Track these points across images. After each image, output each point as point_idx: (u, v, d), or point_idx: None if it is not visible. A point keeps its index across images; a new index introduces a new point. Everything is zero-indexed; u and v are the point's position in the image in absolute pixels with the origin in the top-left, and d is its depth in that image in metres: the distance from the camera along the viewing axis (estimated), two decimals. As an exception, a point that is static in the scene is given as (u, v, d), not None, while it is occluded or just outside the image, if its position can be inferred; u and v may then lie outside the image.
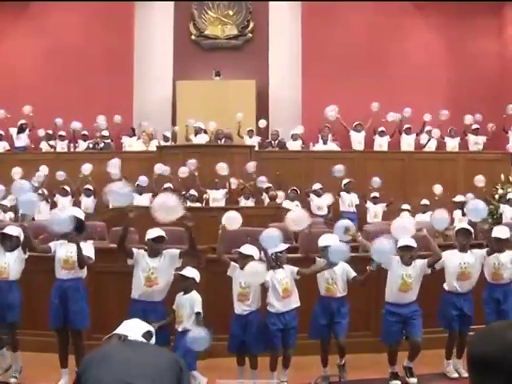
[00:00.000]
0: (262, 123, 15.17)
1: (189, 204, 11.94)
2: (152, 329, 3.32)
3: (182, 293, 6.04)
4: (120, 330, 3.22)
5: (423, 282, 6.38)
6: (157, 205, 5.56)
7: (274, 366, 6.12)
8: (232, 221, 6.09)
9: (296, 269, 6.16)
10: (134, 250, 6.13)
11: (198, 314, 5.91)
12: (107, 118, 14.89)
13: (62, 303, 6.18)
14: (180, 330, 5.91)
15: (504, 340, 1.62)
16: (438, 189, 12.33)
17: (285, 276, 6.11)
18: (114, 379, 2.64)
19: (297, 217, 6.29)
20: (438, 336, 6.68)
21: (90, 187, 12.52)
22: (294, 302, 6.15)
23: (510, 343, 1.60)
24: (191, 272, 6.02)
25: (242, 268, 6.06)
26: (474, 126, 14.74)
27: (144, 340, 3.16)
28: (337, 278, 6.31)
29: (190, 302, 5.94)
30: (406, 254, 6.27)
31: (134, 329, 3.22)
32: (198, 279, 6.04)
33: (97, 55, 15.86)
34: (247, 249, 6.13)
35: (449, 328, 6.54)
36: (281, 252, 6.15)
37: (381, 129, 14.68)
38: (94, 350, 2.93)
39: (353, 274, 6.36)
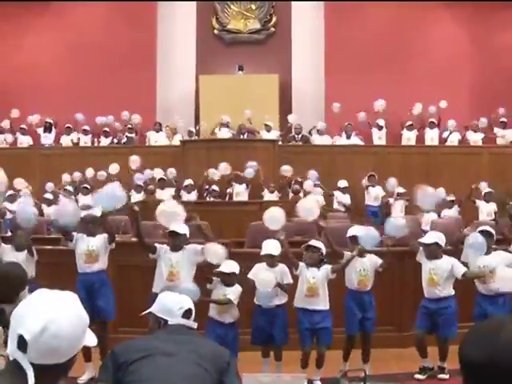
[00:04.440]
0: (292, 118, 14.93)
1: (211, 199, 11.98)
2: (192, 306, 3.31)
3: (221, 284, 5.98)
4: (159, 312, 3.24)
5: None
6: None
7: (304, 363, 6.07)
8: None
9: (329, 267, 6.11)
10: (157, 246, 6.21)
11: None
12: (131, 113, 14.98)
13: (88, 297, 6.26)
14: (226, 322, 5.89)
15: (496, 343, 1.51)
16: (482, 186, 12.07)
17: (315, 276, 6.07)
18: (155, 382, 2.70)
19: (308, 205, 6.31)
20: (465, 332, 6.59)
21: None
22: (322, 304, 6.10)
23: (502, 346, 1.49)
24: (231, 267, 5.96)
25: (268, 265, 6.11)
26: (502, 120, 14.55)
27: (185, 321, 3.18)
28: (368, 269, 6.30)
29: (236, 296, 5.88)
30: (429, 250, 6.29)
31: (173, 310, 3.21)
32: (237, 271, 5.97)
33: (119, 51, 15.91)
34: (274, 248, 6.11)
35: None
36: (307, 249, 6.13)
37: (408, 123, 14.59)
38: (137, 339, 2.99)
39: (379, 260, 6.35)
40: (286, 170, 12.24)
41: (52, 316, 1.76)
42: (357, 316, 6.27)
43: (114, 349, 2.90)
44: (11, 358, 1.76)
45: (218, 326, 5.86)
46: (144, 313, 3.35)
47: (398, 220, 6.21)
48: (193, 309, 3.30)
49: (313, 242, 6.15)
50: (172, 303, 3.25)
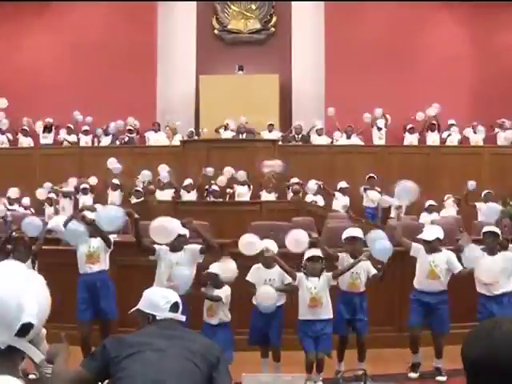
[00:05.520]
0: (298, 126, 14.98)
1: (212, 199, 11.98)
2: (178, 299, 3.33)
3: (211, 286, 5.98)
4: (146, 308, 3.27)
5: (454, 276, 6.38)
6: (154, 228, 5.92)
7: (310, 368, 6.00)
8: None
9: (330, 274, 6.06)
10: (156, 247, 6.22)
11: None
12: (131, 113, 14.98)
13: (91, 297, 6.32)
14: (214, 323, 5.89)
15: (491, 341, 1.58)
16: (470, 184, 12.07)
17: (316, 285, 6.00)
18: (145, 378, 2.70)
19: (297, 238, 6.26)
20: (465, 331, 6.56)
21: (117, 182, 12.60)
22: (325, 313, 6.05)
23: (496, 344, 1.57)
24: (217, 268, 5.96)
25: (264, 265, 6.11)
26: (502, 120, 14.50)
27: (172, 314, 3.20)
28: (360, 272, 6.29)
29: (226, 297, 5.89)
30: (431, 246, 6.34)
31: (160, 305, 3.24)
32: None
33: (120, 51, 15.91)
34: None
35: None
36: (310, 260, 6.05)
37: (409, 126, 14.60)
38: (128, 335, 3.02)
39: (373, 271, 6.29)
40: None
41: (36, 293, 1.79)
42: (344, 317, 6.25)
43: (105, 343, 2.93)
44: (2, 347, 1.73)
45: (208, 328, 5.85)
46: (132, 310, 3.38)
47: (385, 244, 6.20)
48: (179, 302, 3.33)
49: (315, 252, 6.07)
50: (158, 298, 3.29)
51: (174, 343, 2.88)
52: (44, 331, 4.28)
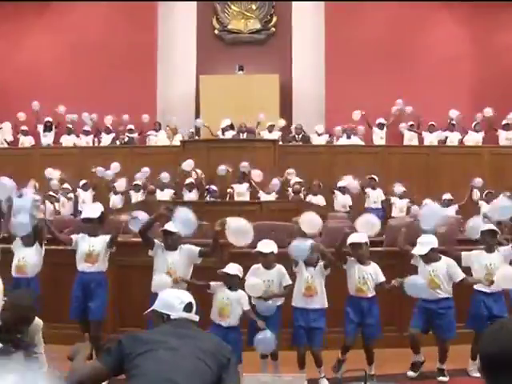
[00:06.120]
0: (281, 122, 15.01)
1: (211, 199, 11.98)
2: (192, 300, 3.39)
3: (224, 287, 5.96)
4: (161, 308, 3.32)
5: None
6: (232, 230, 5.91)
7: (301, 363, 6.07)
8: None
9: (321, 263, 6.13)
10: (156, 242, 6.23)
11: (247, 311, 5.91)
12: (131, 113, 14.97)
13: (83, 295, 6.32)
14: (225, 325, 5.85)
15: (501, 337, 1.67)
16: (476, 182, 12.17)
17: (312, 275, 6.09)
18: (158, 376, 2.74)
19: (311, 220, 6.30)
20: (465, 331, 6.56)
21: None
22: (319, 302, 6.10)
23: (505, 338, 1.65)
24: (235, 269, 5.95)
25: (264, 266, 6.11)
26: (505, 122, 14.44)
27: (186, 314, 3.26)
28: (368, 277, 6.26)
29: (238, 300, 5.87)
30: (426, 257, 6.33)
31: (174, 305, 3.30)
32: (241, 275, 5.98)
33: (120, 51, 15.91)
34: (265, 246, 6.14)
35: (476, 328, 6.30)
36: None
37: (410, 123, 14.59)
38: (143, 332, 3.09)
39: (381, 278, 6.29)
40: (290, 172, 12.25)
41: None
42: (352, 321, 6.22)
43: (121, 339, 2.98)
44: None
45: (218, 329, 5.81)
46: (147, 311, 3.45)
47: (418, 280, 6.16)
48: (193, 302, 3.39)
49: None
50: (172, 298, 3.36)
51: (186, 342, 2.94)
52: (40, 322, 4.31)
